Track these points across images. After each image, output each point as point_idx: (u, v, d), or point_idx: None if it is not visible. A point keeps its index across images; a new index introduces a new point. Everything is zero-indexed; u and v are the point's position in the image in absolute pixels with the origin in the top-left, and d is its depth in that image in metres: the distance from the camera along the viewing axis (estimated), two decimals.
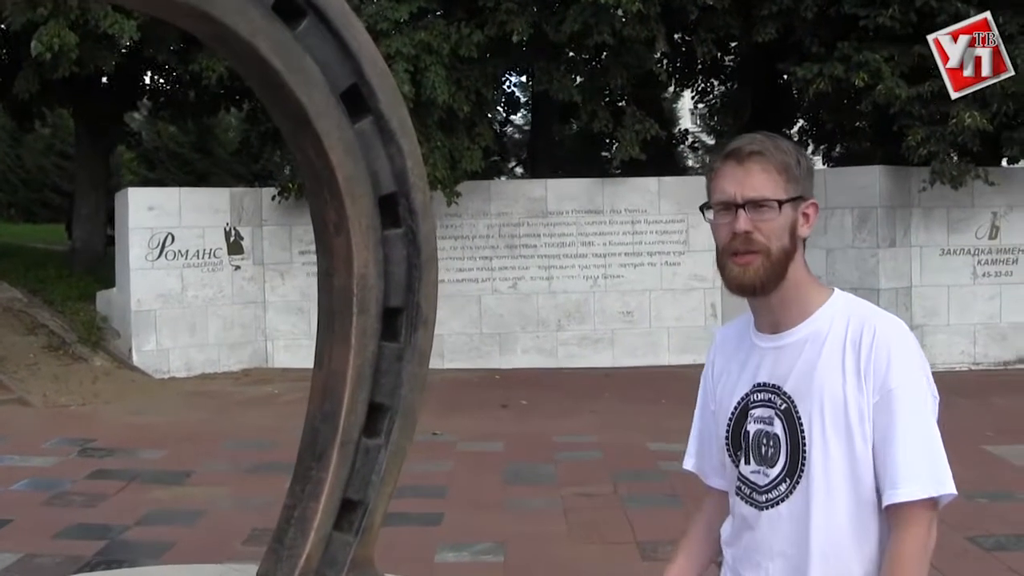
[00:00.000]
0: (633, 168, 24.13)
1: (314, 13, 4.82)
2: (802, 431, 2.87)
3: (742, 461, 3.03)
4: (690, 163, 49.45)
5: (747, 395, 3.04)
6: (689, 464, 3.39)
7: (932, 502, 2.75)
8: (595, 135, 26.94)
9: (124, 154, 55.24)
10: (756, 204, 2.85)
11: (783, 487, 2.92)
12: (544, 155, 28.45)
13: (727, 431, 3.09)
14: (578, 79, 21.91)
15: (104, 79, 23.85)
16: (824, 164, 35.46)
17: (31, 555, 8.66)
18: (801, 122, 31.63)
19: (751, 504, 3.00)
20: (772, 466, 2.94)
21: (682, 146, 42.11)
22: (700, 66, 28.87)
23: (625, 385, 18.52)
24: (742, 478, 3.04)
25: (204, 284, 19.39)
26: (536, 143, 29.43)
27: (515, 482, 11.43)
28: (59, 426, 14.23)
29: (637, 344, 20.76)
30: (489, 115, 23.10)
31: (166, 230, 18.92)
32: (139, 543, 9.10)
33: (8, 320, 19.61)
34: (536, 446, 13.29)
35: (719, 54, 26.01)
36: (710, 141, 54.85)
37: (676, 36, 24.31)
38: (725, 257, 2.91)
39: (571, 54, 22.14)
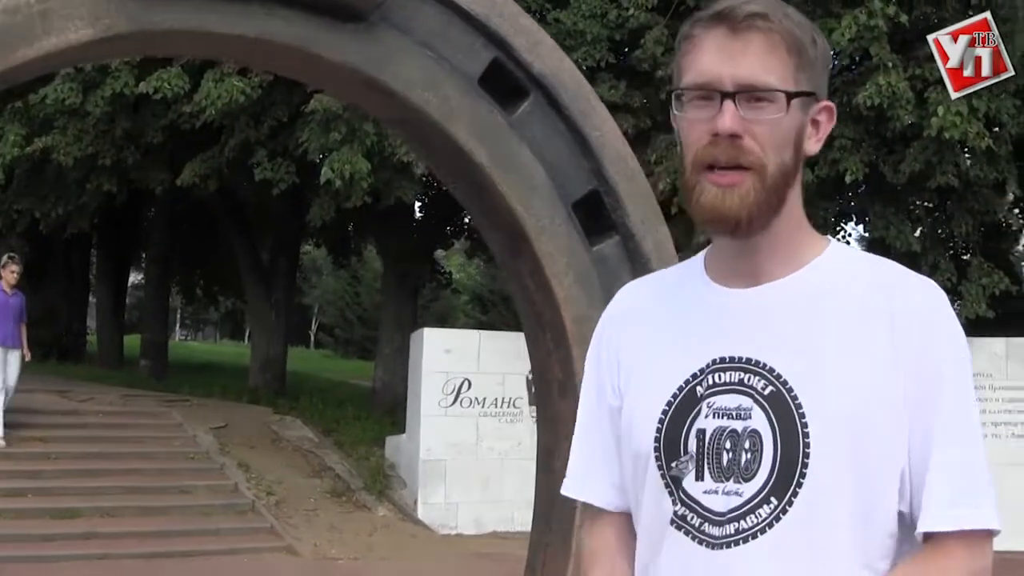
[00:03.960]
0: (978, 327, 22.25)
1: (540, 91, 3.47)
2: (804, 428, 2.02)
3: (690, 477, 2.11)
4: None
5: (696, 376, 2.14)
6: (575, 489, 2.40)
7: (988, 532, 2.03)
8: None
9: (454, 297, 56.19)
10: (753, 94, 2.04)
11: (764, 511, 2.03)
12: None
13: (657, 431, 2.15)
14: (920, 228, 20.21)
15: (419, 213, 23.51)
16: None
17: None
18: None
19: (700, 541, 2.08)
20: (746, 479, 2.05)
21: None
22: None
23: None
24: (688, 502, 2.11)
25: (501, 436, 18.18)
26: None
27: None
28: None
29: None
30: None
31: (462, 375, 17.94)
32: None
33: (295, 461, 19.19)
34: None
35: None
36: None
37: None
38: (697, 172, 2.08)
39: (911, 197, 20.40)
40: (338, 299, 68.15)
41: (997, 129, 17.12)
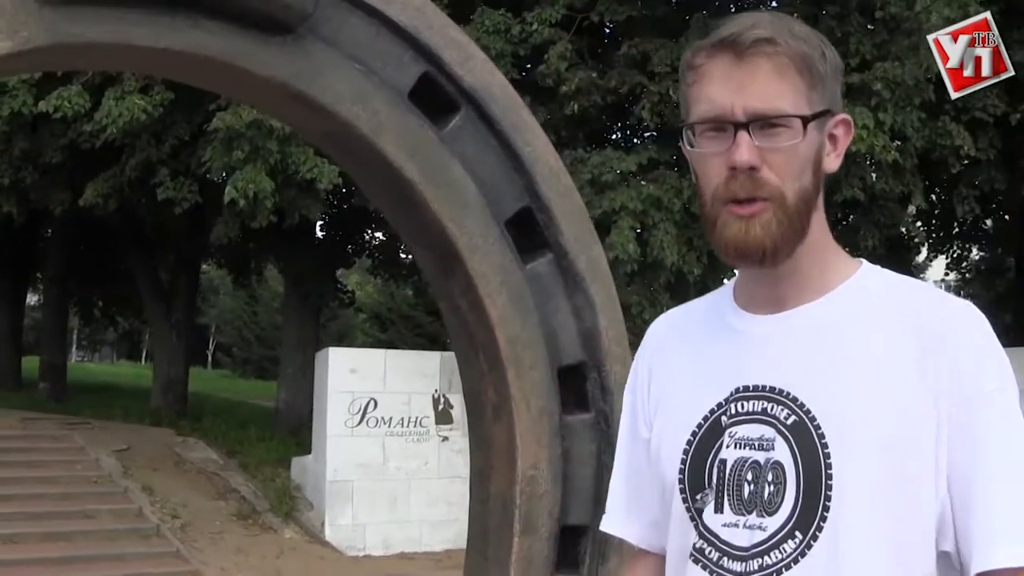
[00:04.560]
0: None
1: (471, 106, 3.38)
2: (827, 459, 1.96)
3: (709, 509, 2.07)
4: None
5: (721, 406, 2.11)
6: (613, 525, 2.37)
7: None
8: None
9: (353, 315, 55.99)
10: (767, 122, 1.97)
11: (789, 546, 1.97)
12: None
13: (682, 463, 2.13)
14: None
15: (320, 232, 23.30)
16: None
17: None
18: None
19: None
20: (770, 513, 2.00)
21: None
22: (957, 228, 26.92)
23: None
24: (707, 535, 2.06)
25: (408, 455, 18.20)
26: None
27: None
28: None
29: None
30: (724, 278, 21.84)
31: (368, 395, 17.87)
32: None
33: (199, 483, 19.03)
34: None
35: (979, 213, 24.07)
36: None
37: (931, 195, 22.52)
38: (719, 206, 2.02)
39: None
40: (236, 318, 67.80)
41: (900, 143, 17.29)
